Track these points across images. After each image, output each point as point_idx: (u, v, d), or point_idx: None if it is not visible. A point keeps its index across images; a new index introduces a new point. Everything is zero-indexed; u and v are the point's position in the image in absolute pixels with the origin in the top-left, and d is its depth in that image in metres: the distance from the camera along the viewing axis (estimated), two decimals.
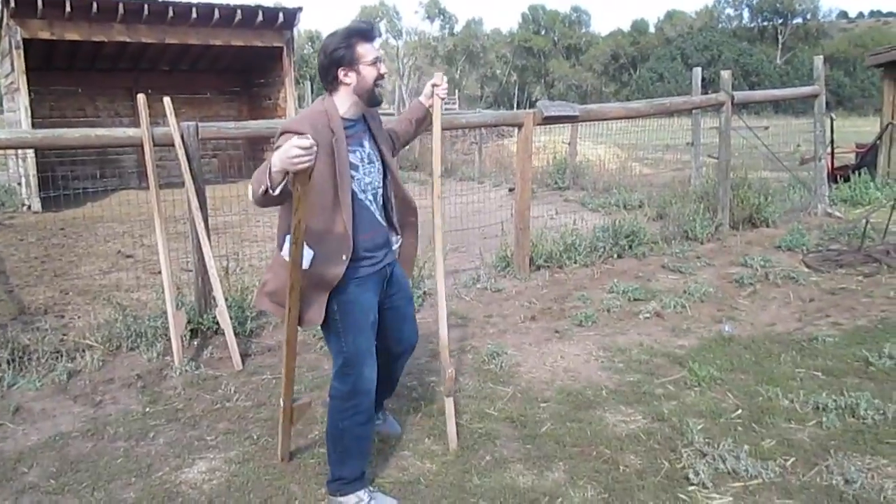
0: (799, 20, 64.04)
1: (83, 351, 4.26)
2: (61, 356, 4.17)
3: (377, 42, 2.72)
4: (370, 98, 2.68)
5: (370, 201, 2.73)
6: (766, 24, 65.46)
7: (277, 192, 2.27)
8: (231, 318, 4.28)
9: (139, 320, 4.51)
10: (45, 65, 12.75)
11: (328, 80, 2.67)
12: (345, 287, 2.64)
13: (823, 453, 3.01)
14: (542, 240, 6.16)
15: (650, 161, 14.65)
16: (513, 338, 4.57)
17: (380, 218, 2.80)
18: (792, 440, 3.14)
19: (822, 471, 2.87)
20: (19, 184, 11.46)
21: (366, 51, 2.62)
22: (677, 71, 55.56)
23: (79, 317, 5.16)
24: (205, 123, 4.48)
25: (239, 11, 11.98)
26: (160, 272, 5.77)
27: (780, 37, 63.46)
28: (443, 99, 3.05)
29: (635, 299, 5.22)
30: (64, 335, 4.61)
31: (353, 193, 2.63)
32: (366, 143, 2.74)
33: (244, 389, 3.83)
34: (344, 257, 2.58)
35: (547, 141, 12.54)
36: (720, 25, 64.28)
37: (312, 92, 15.51)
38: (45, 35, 10.85)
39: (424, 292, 5.26)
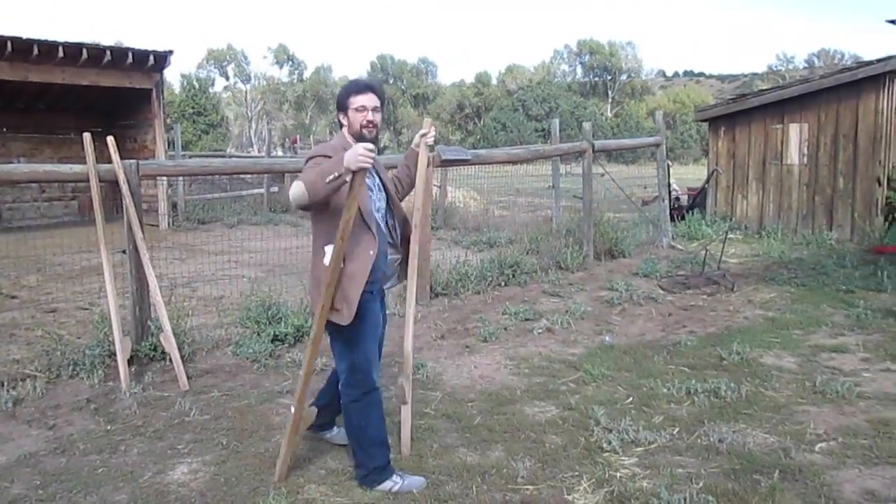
0: (625, 77, 70.17)
1: (22, 380, 4.37)
2: (2, 385, 4.27)
3: (369, 96, 3.13)
4: (360, 139, 3.10)
5: (380, 222, 3.19)
6: (596, 79, 71.12)
7: (336, 187, 2.80)
8: None
9: (76, 349, 4.66)
10: None
11: (338, 122, 3.22)
12: (364, 297, 3.05)
13: (699, 423, 3.82)
14: (439, 270, 6.82)
15: (503, 204, 15.78)
16: (429, 353, 5.14)
17: (388, 237, 3.29)
18: (674, 416, 3.94)
19: (701, 434, 3.68)
20: None
21: (353, 100, 3.13)
22: (519, 121, 58.76)
23: None
24: (145, 161, 4.79)
25: (108, 52, 11.88)
26: (54, 311, 6.01)
27: (609, 92, 69.17)
28: (428, 145, 3.53)
29: (526, 319, 5.97)
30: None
31: (370, 212, 3.10)
32: (373, 174, 3.24)
33: (198, 405, 4.13)
34: (371, 252, 3.02)
35: None
36: (556, 80, 68.98)
37: (181, 135, 15.40)
38: None
39: None
